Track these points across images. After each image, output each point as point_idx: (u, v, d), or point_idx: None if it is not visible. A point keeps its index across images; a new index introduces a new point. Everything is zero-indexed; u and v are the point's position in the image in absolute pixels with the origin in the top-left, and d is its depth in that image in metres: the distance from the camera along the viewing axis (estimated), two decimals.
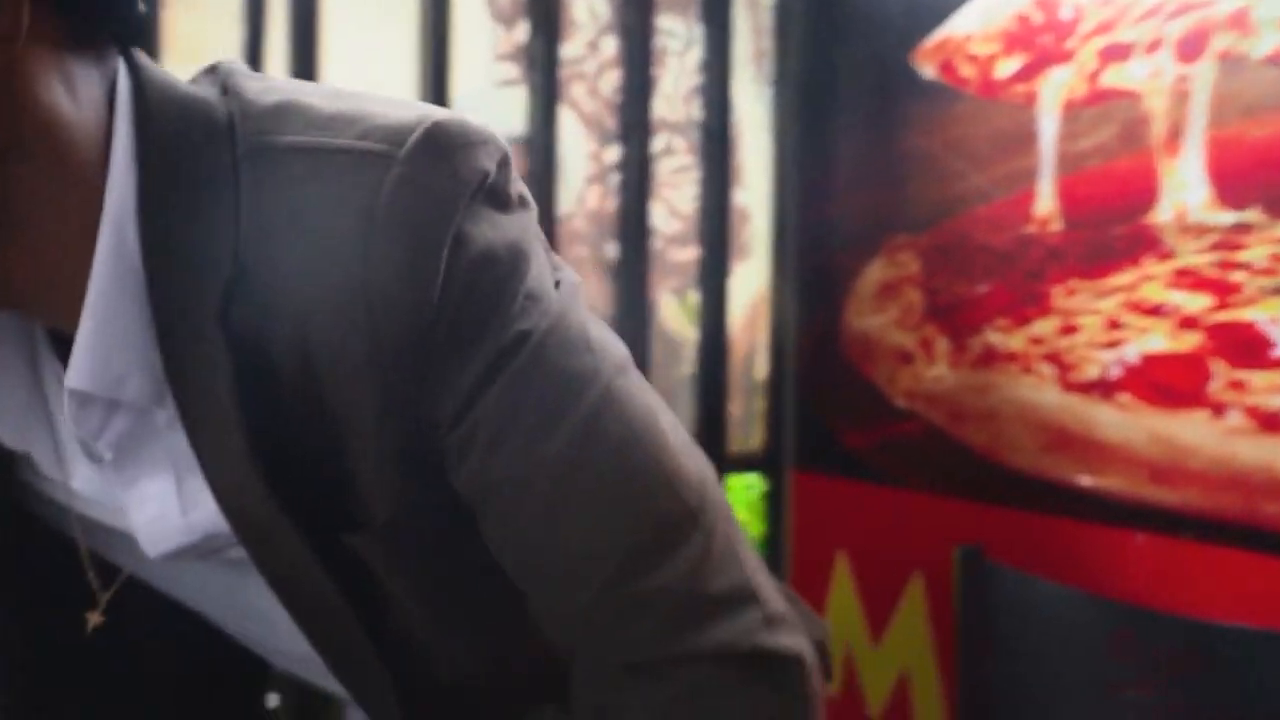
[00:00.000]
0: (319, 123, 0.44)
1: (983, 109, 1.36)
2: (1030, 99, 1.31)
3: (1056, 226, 1.29)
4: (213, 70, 0.49)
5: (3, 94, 0.41)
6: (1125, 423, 1.20)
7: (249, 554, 0.49)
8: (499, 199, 0.46)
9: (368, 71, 1.31)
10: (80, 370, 0.44)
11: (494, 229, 0.45)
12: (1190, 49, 1.16)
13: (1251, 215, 1.11)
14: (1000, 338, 1.34)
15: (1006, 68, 1.34)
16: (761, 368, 1.71)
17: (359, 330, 0.43)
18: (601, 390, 0.46)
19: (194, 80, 0.49)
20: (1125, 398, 1.21)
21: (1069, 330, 1.27)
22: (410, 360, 0.44)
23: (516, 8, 1.45)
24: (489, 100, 1.44)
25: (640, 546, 0.46)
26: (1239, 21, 1.12)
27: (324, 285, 0.43)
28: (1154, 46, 1.19)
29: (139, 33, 0.47)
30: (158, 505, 0.49)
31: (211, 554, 0.52)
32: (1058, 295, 1.28)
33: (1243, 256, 1.11)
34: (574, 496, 0.46)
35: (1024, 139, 1.32)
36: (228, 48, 1.19)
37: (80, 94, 0.44)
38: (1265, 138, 1.10)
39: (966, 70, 1.39)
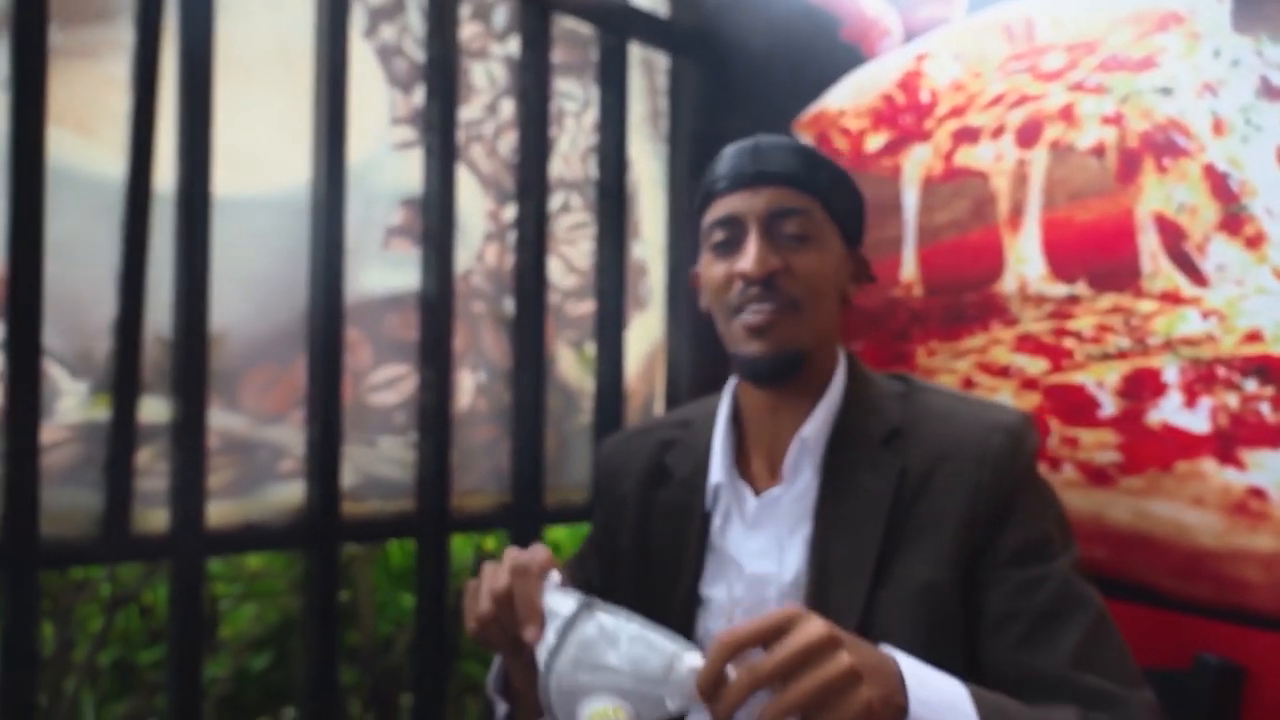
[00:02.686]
0: (956, 395, 0.91)
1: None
2: (895, 173, 1.41)
3: (918, 292, 1.38)
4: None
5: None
6: None
7: (806, 598, 0.83)
8: (1034, 461, 0.86)
9: (262, 136, 1.33)
10: (807, 430, 0.88)
11: (1038, 480, 0.86)
12: (1027, 136, 1.27)
13: (1079, 289, 1.22)
14: None
15: (874, 143, 1.44)
16: (658, 416, 1.76)
17: (970, 478, 0.82)
18: (1098, 615, 0.78)
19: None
20: None
21: None
22: (990, 510, 0.81)
23: (413, 74, 1.50)
24: (385, 163, 1.47)
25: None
26: (1067, 114, 1.23)
27: (957, 447, 0.83)
28: (998, 132, 1.30)
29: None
30: (762, 553, 0.87)
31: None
32: (920, 355, 1.37)
33: (1073, 325, 1.22)
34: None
35: (890, 209, 1.41)
36: (117, 114, 1.20)
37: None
38: (1089, 220, 1.21)
39: (840, 142, 1.48)
